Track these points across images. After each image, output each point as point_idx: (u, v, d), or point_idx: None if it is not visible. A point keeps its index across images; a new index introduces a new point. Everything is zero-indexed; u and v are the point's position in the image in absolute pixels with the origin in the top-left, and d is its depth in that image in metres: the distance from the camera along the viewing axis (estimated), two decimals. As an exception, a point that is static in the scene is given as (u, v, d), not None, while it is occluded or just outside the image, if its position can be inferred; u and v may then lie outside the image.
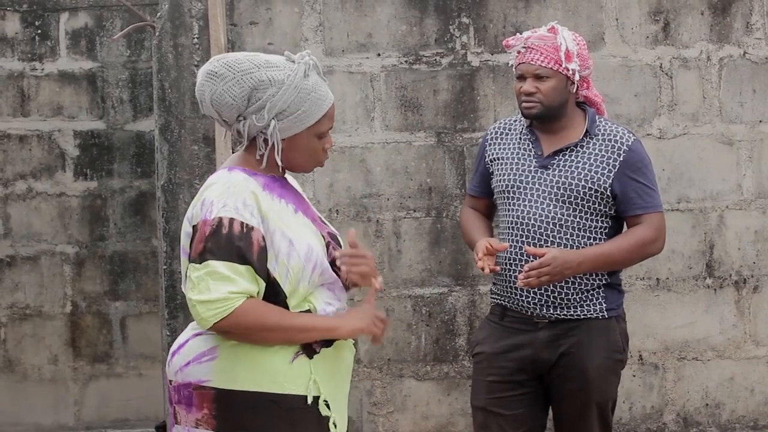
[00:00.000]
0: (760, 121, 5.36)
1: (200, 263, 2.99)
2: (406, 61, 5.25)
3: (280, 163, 3.12)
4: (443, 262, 5.26)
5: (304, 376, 3.10)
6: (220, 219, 3.00)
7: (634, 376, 5.31)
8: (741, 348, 5.37)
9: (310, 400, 3.10)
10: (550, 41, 4.08)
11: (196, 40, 5.09)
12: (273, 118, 3.08)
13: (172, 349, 3.19)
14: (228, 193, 3.04)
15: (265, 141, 3.11)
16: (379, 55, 5.24)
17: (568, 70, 4.07)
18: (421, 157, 5.25)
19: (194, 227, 3.05)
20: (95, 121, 6.33)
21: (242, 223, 3.01)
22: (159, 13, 5.13)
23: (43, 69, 6.30)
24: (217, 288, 2.98)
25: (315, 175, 5.16)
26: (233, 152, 3.30)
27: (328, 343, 3.13)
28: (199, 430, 3.08)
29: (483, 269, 4.00)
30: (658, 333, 5.33)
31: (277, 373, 3.07)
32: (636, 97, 5.30)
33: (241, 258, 3.00)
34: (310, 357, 3.10)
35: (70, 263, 6.33)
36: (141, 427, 6.11)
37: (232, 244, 2.99)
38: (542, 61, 4.06)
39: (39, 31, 6.29)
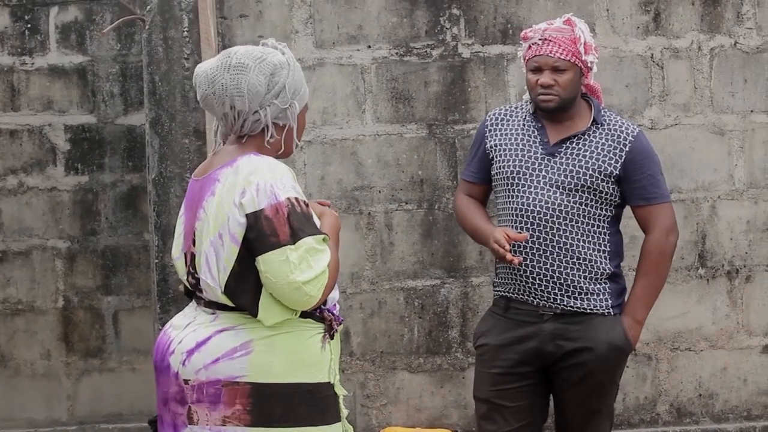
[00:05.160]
0: (752, 111, 5.36)
1: (295, 243, 3.05)
2: (396, 53, 5.24)
3: (297, 141, 3.23)
4: (435, 254, 5.25)
5: (327, 361, 3.18)
6: (289, 199, 3.08)
7: (627, 367, 5.30)
8: (734, 338, 5.37)
9: (333, 383, 3.19)
10: (568, 33, 4.07)
11: (186, 33, 5.07)
12: (293, 98, 3.17)
13: (184, 347, 3.14)
14: (277, 174, 3.10)
15: (275, 126, 3.17)
16: (369, 47, 5.22)
17: (585, 62, 4.06)
18: (412, 149, 5.24)
19: (257, 213, 3.06)
20: (86, 115, 6.31)
21: (302, 199, 3.12)
22: (149, 7, 5.12)
23: (33, 63, 6.28)
24: (317, 262, 3.07)
25: (306, 167, 5.15)
26: (223, 145, 3.29)
27: (339, 322, 3.24)
28: (227, 427, 3.07)
29: (512, 261, 3.97)
30: (650, 324, 5.32)
31: (312, 362, 3.14)
32: (627, 87, 5.29)
33: (317, 229, 3.12)
34: (332, 337, 3.19)
35: (61, 258, 6.31)
36: (134, 422, 6.09)
37: (308, 219, 3.10)
38: (561, 54, 4.04)
39: (29, 26, 6.27)
